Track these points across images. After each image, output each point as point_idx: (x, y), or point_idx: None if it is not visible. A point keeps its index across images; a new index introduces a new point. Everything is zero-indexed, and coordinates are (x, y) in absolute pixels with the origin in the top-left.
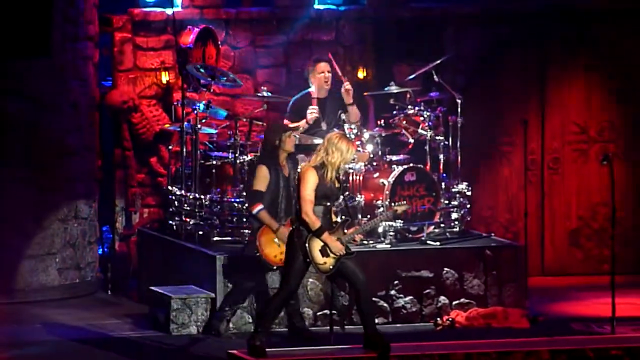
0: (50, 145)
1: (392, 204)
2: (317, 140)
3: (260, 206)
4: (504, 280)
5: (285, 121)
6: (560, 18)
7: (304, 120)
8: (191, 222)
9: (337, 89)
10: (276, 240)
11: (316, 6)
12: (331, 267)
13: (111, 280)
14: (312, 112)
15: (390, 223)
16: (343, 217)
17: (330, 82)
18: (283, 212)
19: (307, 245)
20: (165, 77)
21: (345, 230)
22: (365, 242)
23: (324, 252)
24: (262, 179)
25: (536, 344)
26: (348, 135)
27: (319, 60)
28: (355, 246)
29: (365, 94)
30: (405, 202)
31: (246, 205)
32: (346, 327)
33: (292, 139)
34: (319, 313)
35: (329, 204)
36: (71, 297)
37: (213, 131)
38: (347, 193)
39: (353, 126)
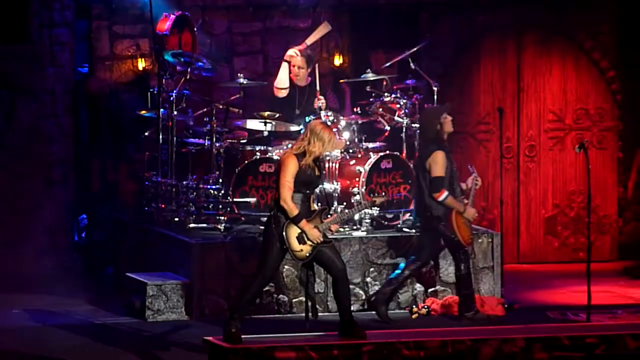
0: (26, 131)
1: (371, 195)
2: (293, 127)
3: (446, 193)
4: (479, 268)
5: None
6: (537, 5)
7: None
8: (167, 209)
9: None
10: (466, 220)
11: None
12: (308, 254)
13: (87, 267)
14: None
15: (367, 210)
16: (320, 204)
17: (303, 77)
18: (455, 193)
19: (284, 232)
20: (141, 64)
21: (323, 219)
22: (341, 229)
23: (301, 239)
24: (442, 165)
25: (511, 331)
26: (324, 121)
27: (295, 54)
28: (332, 234)
29: (341, 81)
30: (384, 193)
31: (432, 193)
32: (323, 313)
33: (449, 119)
34: (294, 300)
35: (308, 191)
36: (47, 283)
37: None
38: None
39: (330, 113)
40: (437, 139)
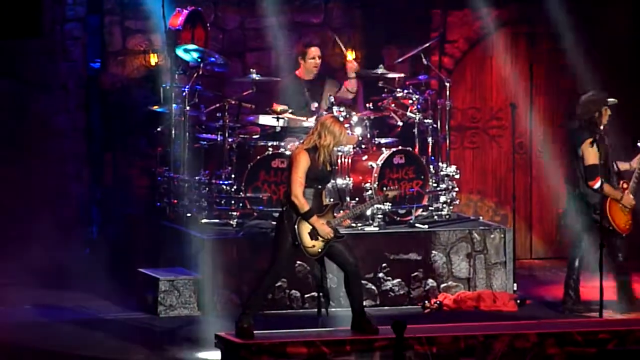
0: (39, 126)
1: (384, 189)
2: (306, 123)
3: (600, 181)
4: (491, 264)
5: (275, 105)
6: (549, 0)
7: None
8: (179, 204)
9: (325, 72)
10: (624, 207)
11: None
12: (320, 250)
13: (100, 262)
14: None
15: (379, 206)
16: (332, 199)
17: (319, 67)
18: (611, 180)
19: (296, 228)
20: (154, 59)
21: (335, 214)
22: (353, 224)
23: (313, 235)
24: (595, 152)
25: (524, 327)
26: (336, 115)
27: (310, 45)
28: (344, 229)
29: (353, 77)
30: (397, 187)
31: (586, 181)
32: (335, 309)
33: (609, 111)
34: (306, 295)
35: (320, 186)
36: (60, 279)
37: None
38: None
39: (342, 109)
40: (591, 125)
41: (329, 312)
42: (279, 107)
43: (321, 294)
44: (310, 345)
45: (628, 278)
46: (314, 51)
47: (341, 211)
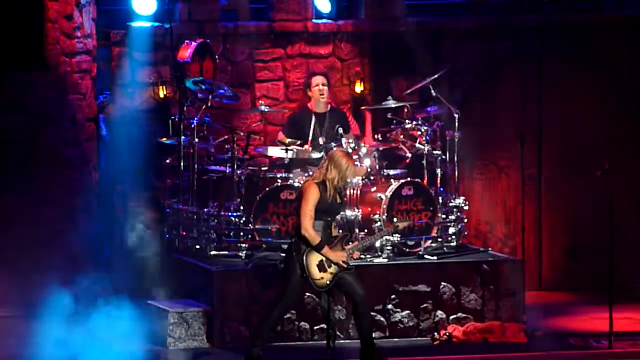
0: (48, 159)
1: (393, 220)
2: (315, 155)
3: None
4: (501, 295)
5: (280, 135)
6: (559, 33)
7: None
8: (188, 236)
9: (339, 108)
10: None
11: (313, 20)
12: (328, 282)
13: (109, 293)
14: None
15: (388, 237)
16: (341, 231)
17: (327, 95)
18: None
19: (304, 259)
20: (162, 91)
21: (345, 246)
22: (362, 256)
23: (321, 267)
24: None
25: (533, 358)
26: (346, 150)
27: (314, 74)
28: (353, 260)
29: (362, 108)
30: (406, 218)
31: None
32: (344, 340)
33: None
34: (315, 327)
35: (329, 219)
36: (70, 311)
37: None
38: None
39: (351, 140)
40: None
41: (336, 344)
42: (287, 139)
43: (329, 325)
44: None
45: None
46: (318, 79)
47: (350, 243)
